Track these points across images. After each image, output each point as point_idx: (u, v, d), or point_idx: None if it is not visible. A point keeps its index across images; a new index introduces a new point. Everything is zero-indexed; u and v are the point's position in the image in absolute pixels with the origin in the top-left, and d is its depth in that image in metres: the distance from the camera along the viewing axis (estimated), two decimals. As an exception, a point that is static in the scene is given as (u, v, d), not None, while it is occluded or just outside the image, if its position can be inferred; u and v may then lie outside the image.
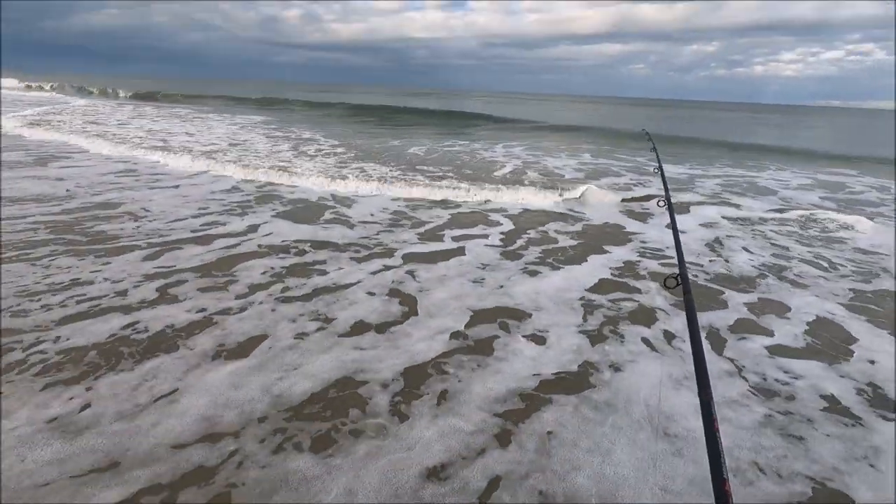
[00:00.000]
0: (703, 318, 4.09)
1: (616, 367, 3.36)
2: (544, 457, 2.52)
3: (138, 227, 5.83)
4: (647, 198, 8.49)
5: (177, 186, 8.16)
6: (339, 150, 13.11)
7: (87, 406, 2.67)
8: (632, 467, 2.47)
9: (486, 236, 6.25)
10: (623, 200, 8.41)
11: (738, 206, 8.31)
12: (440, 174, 10.03)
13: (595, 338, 3.74)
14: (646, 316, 4.14)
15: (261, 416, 2.65)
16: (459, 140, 16.93)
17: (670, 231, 2.31)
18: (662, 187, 3.20)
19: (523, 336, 3.73)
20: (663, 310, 4.24)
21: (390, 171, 10.09)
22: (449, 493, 2.25)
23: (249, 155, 11.32)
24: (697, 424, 2.82)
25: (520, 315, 4.06)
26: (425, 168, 10.74)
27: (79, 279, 4.26)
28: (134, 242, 5.27)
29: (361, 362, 3.24)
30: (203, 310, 3.84)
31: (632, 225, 7.06)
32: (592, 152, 14.90)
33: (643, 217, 7.51)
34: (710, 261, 5.57)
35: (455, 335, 3.67)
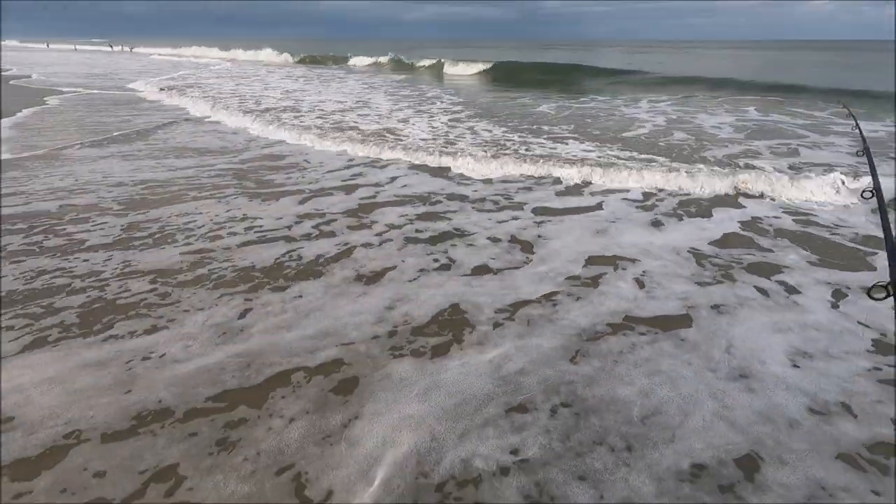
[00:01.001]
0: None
1: (717, 311, 3.32)
2: (602, 372, 2.72)
3: (301, 175, 6.79)
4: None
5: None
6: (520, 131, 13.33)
7: (245, 313, 3.36)
8: (686, 393, 2.59)
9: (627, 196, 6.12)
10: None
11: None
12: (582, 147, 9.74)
13: (706, 285, 3.68)
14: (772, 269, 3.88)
15: (377, 333, 3.13)
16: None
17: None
18: (870, 170, 2.55)
19: (633, 278, 3.80)
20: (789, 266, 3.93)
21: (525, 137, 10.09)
22: (502, 393, 2.58)
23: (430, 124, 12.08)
24: (779, 369, 2.75)
25: (630, 262, 4.10)
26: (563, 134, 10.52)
27: (252, 215, 5.18)
28: (296, 188, 6.19)
29: (471, 295, 3.58)
30: (346, 244, 4.48)
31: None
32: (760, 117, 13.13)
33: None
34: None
35: (566, 278, 3.84)
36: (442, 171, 7.07)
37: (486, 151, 7.84)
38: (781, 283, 3.79)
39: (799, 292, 3.65)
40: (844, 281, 3.81)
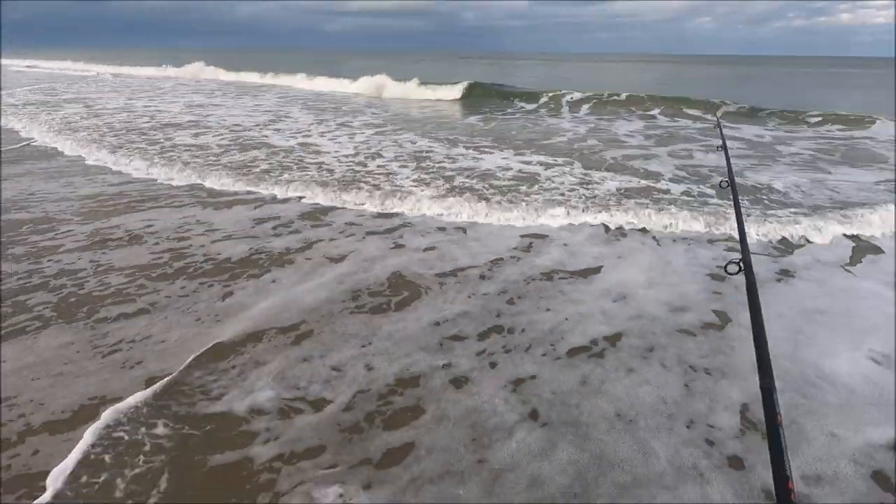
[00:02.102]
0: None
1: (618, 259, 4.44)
2: (528, 306, 3.69)
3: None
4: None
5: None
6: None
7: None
8: (583, 311, 3.60)
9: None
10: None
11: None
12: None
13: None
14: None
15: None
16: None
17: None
18: (726, 163, 2.98)
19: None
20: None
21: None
22: (444, 327, 3.46)
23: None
24: (644, 291, 3.86)
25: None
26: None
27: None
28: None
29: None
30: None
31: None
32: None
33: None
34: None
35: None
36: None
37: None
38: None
39: (663, 246, 4.89)
40: (701, 237, 5.12)
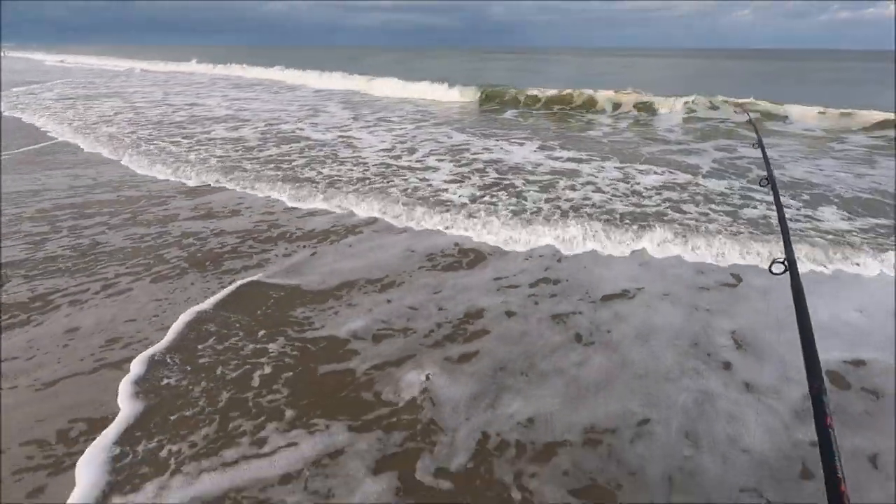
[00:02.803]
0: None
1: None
2: None
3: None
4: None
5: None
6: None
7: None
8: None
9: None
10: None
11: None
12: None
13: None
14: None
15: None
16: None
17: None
18: (764, 164, 2.80)
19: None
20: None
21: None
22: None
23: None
24: None
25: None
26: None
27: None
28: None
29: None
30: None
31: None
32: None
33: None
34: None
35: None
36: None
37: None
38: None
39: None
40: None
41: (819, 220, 5.62)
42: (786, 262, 1.49)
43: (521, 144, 9.85)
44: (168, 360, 3.17)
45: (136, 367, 3.09)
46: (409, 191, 6.69)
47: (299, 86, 24.30)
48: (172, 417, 2.70)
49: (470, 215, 5.66)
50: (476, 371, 3.11)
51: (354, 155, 8.86)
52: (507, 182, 7.06)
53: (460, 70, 34.45)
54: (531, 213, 5.75)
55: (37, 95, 18.57)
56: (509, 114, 14.89)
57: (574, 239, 5.05)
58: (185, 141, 10.01)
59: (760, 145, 3.26)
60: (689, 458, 2.46)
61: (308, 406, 2.81)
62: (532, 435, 2.61)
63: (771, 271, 1.48)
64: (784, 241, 1.70)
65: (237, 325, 3.58)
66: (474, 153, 8.98)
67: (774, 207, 2.14)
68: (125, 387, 2.92)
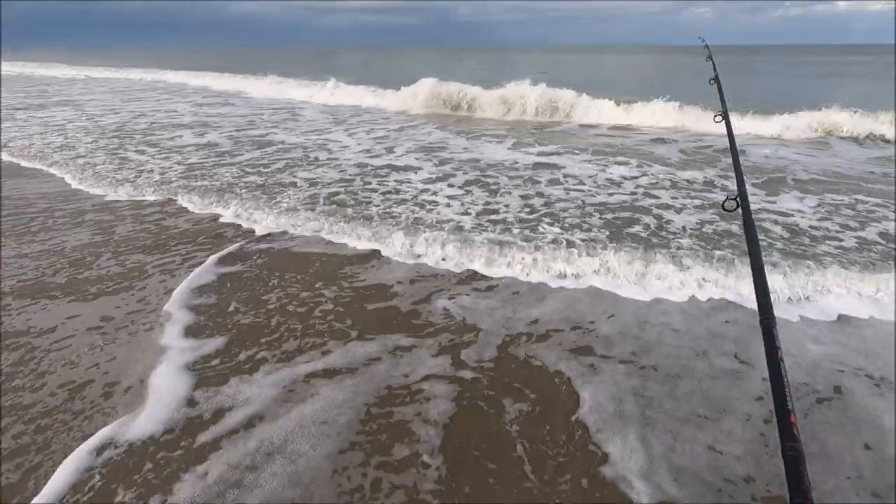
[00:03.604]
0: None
1: None
2: None
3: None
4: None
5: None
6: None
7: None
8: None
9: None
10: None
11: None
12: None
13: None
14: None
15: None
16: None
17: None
18: (719, 97, 2.73)
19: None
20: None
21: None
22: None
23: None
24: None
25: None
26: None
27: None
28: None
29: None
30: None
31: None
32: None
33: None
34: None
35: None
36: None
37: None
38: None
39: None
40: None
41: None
42: (737, 199, 1.49)
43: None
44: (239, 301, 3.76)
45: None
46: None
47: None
48: (248, 342, 3.27)
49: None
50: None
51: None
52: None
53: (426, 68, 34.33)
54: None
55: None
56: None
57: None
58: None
59: (717, 81, 3.10)
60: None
61: (367, 328, 3.43)
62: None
63: (724, 208, 1.49)
64: (737, 177, 1.70)
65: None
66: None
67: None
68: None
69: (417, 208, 5.80)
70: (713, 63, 3.70)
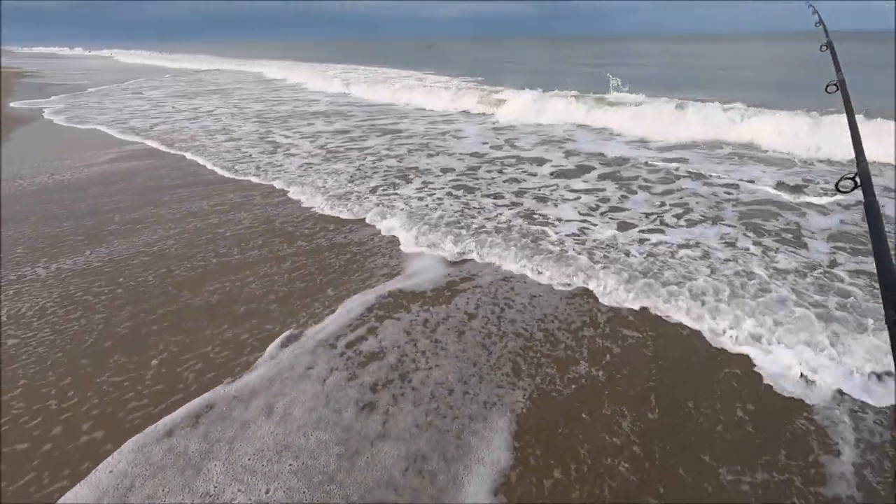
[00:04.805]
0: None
1: None
2: None
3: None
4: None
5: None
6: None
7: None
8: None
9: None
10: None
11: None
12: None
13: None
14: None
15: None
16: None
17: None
18: (833, 65, 2.37)
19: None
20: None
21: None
22: None
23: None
24: None
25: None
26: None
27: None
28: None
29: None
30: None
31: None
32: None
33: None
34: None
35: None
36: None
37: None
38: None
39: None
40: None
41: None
42: (856, 179, 1.26)
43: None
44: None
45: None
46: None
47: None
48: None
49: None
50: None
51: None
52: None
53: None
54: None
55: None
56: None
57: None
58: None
59: (830, 47, 2.72)
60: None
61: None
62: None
63: (838, 189, 1.26)
64: (856, 154, 1.44)
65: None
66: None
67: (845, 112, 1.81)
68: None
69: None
70: (825, 27, 3.23)
